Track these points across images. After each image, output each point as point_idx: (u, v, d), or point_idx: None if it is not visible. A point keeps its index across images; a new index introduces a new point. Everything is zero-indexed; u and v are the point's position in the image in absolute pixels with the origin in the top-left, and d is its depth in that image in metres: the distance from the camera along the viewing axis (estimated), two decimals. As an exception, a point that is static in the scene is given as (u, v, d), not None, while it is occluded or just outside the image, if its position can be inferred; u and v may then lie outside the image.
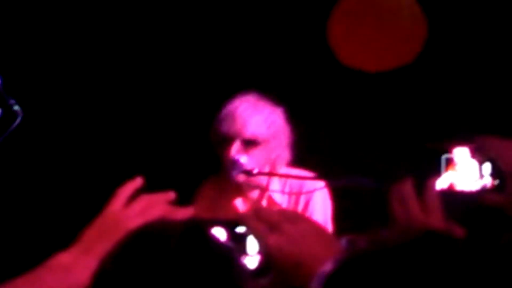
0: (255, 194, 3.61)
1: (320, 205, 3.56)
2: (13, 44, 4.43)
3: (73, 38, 4.56)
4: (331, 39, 4.54)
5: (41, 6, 4.52)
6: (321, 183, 3.53)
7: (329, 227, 3.53)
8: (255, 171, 3.44)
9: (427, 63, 4.48)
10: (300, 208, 3.54)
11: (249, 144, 3.45)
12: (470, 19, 4.46)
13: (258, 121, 3.45)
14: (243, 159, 3.45)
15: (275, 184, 3.60)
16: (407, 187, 1.56)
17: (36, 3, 4.52)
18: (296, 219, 1.49)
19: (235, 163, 3.43)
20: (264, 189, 3.59)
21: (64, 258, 1.59)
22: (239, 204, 3.61)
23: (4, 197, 4.33)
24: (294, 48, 4.57)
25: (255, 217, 1.49)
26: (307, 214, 3.48)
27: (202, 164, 4.04)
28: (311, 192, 3.52)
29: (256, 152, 3.46)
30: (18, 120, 2.75)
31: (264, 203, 3.59)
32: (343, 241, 1.52)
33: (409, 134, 4.38)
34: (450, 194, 1.70)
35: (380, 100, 4.57)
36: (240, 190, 3.58)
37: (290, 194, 3.56)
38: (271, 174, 3.56)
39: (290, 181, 3.58)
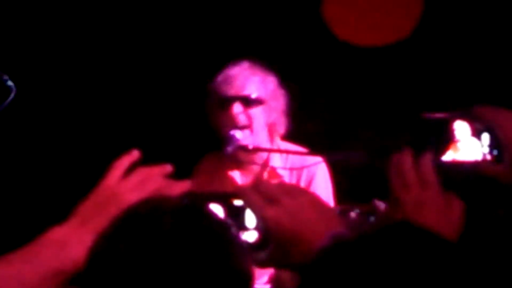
0: (256, 167, 3.62)
1: (322, 181, 3.58)
2: (4, 21, 4.41)
3: (64, 15, 4.54)
4: (326, 14, 4.52)
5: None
6: (320, 158, 3.54)
7: (331, 202, 3.54)
8: (250, 147, 3.45)
9: (423, 37, 4.47)
10: (302, 184, 3.55)
11: (249, 103, 3.51)
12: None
13: (255, 81, 3.53)
14: (239, 134, 3.46)
15: (276, 159, 3.60)
16: (405, 159, 1.55)
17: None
18: (295, 193, 1.47)
19: (230, 138, 3.44)
20: (264, 164, 3.59)
21: (59, 232, 1.56)
22: (238, 177, 3.61)
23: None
24: (289, 23, 4.56)
25: (253, 190, 1.46)
26: (310, 190, 3.48)
27: (201, 140, 4.04)
28: (311, 165, 3.53)
29: (256, 111, 3.51)
30: (11, 96, 2.73)
31: (265, 175, 3.60)
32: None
33: (406, 108, 4.37)
34: (448, 165, 1.69)
35: (378, 75, 4.56)
36: (239, 165, 3.60)
37: (291, 169, 3.57)
38: (267, 150, 3.56)
39: (291, 156, 3.59)
